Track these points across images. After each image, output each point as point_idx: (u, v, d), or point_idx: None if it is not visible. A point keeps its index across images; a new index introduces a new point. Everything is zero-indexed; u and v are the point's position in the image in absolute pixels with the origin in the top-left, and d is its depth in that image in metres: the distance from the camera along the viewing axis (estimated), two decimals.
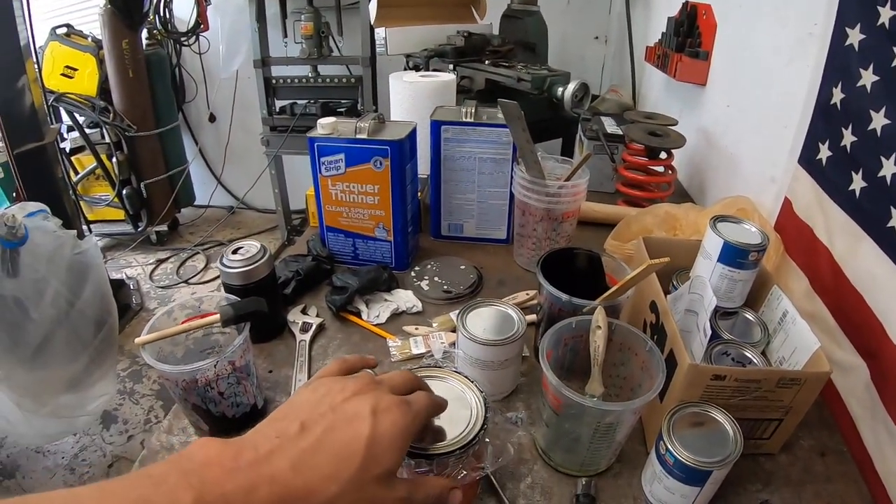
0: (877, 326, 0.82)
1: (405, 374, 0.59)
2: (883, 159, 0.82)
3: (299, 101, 3.57)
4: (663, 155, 1.50)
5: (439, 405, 0.59)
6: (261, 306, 0.88)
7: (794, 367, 0.78)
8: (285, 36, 3.53)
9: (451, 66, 2.15)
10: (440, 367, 0.72)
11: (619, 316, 0.90)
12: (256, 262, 1.05)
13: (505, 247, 1.41)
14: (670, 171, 1.51)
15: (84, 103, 3.70)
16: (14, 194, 3.97)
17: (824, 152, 1.00)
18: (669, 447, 0.67)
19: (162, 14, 3.79)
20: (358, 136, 1.16)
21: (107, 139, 3.84)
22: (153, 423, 2.70)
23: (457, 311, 1.07)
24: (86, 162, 4.01)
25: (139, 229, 4.14)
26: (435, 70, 2.11)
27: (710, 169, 1.63)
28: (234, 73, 3.93)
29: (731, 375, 0.71)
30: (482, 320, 0.89)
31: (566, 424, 0.74)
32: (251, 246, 1.08)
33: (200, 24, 3.84)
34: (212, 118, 4.40)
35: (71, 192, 3.32)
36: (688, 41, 1.73)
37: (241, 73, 3.93)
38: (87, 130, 3.81)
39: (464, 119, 1.28)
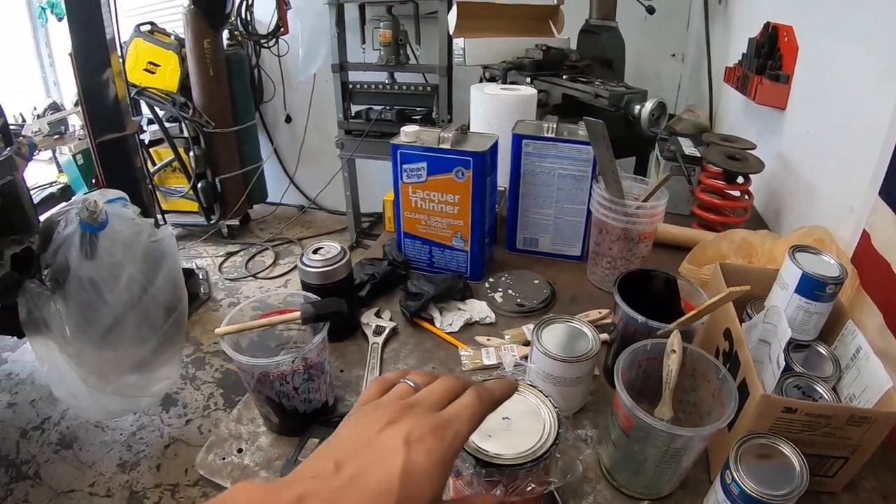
0: None
1: (445, 384, 0.55)
2: None
3: (375, 107, 3.64)
4: (740, 179, 1.49)
5: (491, 400, 0.55)
6: (341, 307, 0.92)
7: (864, 405, 0.78)
8: (363, 42, 3.62)
9: (528, 79, 2.16)
10: (517, 380, 0.74)
11: (692, 341, 0.91)
12: (336, 263, 1.08)
13: (578, 264, 1.42)
14: (747, 197, 1.51)
15: (165, 98, 3.85)
16: (93, 181, 4.15)
17: None
18: (735, 477, 0.67)
19: (243, 16, 3.92)
20: (441, 146, 1.19)
21: (185, 134, 3.99)
22: (212, 410, 2.80)
23: (530, 325, 1.09)
24: (163, 154, 4.17)
25: (211, 222, 4.30)
26: (512, 83, 2.13)
27: (786, 195, 1.61)
28: (311, 77, 4.01)
29: (803, 409, 0.72)
30: (557, 336, 0.90)
31: (634, 446, 0.75)
32: (331, 247, 1.12)
33: (281, 27, 3.95)
34: (288, 119, 4.52)
35: (148, 181, 3.47)
36: (768, 63, 1.71)
37: (319, 77, 4.02)
38: (167, 124, 3.96)
39: (545, 134, 1.29)
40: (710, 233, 1.41)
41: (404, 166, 1.24)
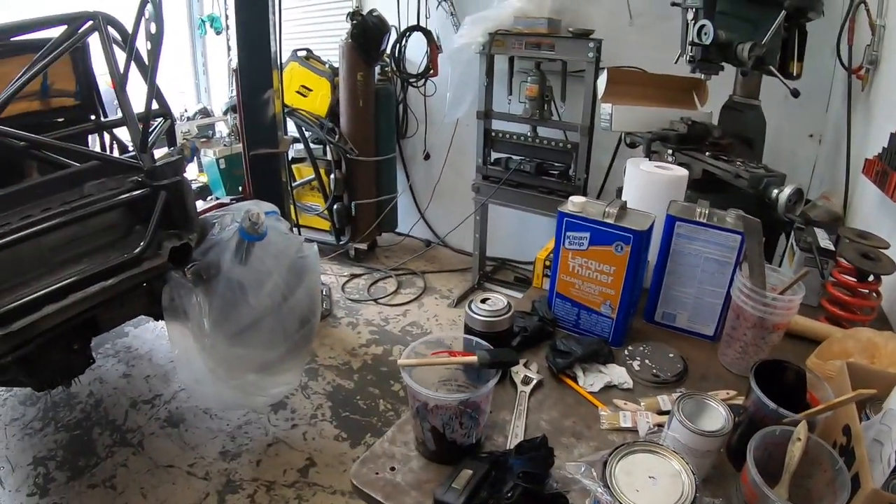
0: None
1: None
2: None
3: (514, 157, 3.77)
4: (871, 278, 1.53)
5: None
6: (513, 358, 1.08)
7: None
8: (510, 94, 3.77)
9: (669, 151, 2.22)
10: (661, 446, 0.87)
11: (813, 432, 0.98)
12: (502, 315, 1.26)
13: (710, 343, 1.49)
14: (876, 296, 1.54)
15: (314, 121, 4.17)
16: (240, 188, 4.47)
17: None
18: None
19: (396, 54, 4.16)
20: (605, 220, 1.32)
21: (328, 156, 4.28)
22: (318, 420, 2.96)
23: (663, 396, 1.21)
24: (303, 172, 4.49)
25: (341, 242, 4.53)
26: (654, 152, 2.22)
27: None
28: (455, 120, 4.17)
29: None
30: (692, 409, 1.02)
31: None
32: (498, 300, 1.29)
33: (431, 69, 4.15)
34: (427, 156, 4.71)
35: (290, 197, 3.72)
36: None
37: (462, 121, 4.17)
38: (311, 145, 4.27)
39: (698, 219, 1.40)
40: (838, 328, 1.46)
41: (568, 233, 1.37)
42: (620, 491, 0.79)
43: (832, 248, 1.69)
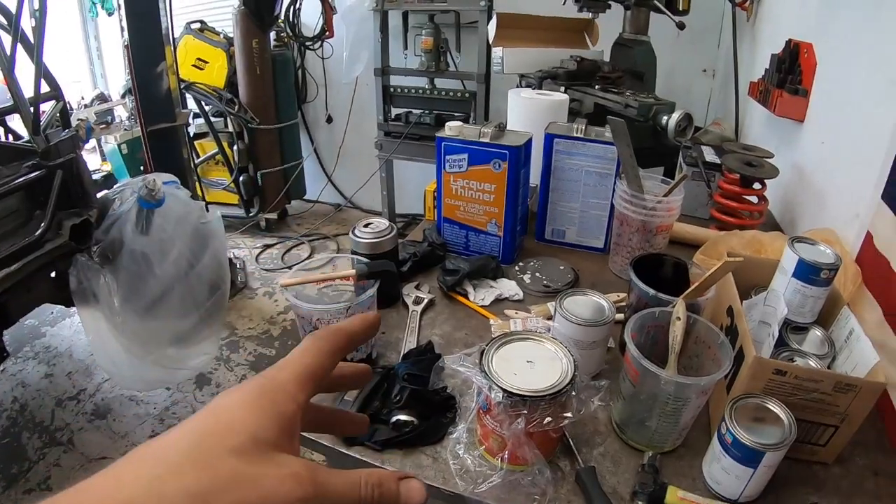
0: None
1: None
2: None
3: (414, 111, 3.76)
4: (757, 185, 1.57)
5: (335, 332, 0.48)
6: (391, 267, 1.06)
7: None
8: (406, 48, 3.75)
9: (562, 88, 2.23)
10: (539, 333, 0.85)
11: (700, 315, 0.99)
12: (385, 236, 1.24)
13: (601, 255, 1.51)
14: (762, 201, 1.58)
15: (212, 93, 4.00)
16: (141, 168, 4.30)
17: None
18: (729, 427, 0.76)
19: (291, 18, 4.05)
20: (481, 140, 1.30)
21: (229, 128, 4.14)
22: None
23: (554, 303, 1.20)
24: (207, 147, 4.34)
25: (250, 214, 4.44)
26: (548, 90, 2.22)
27: (799, 204, 1.68)
28: (353, 80, 4.10)
29: (792, 372, 0.80)
30: (577, 306, 1.01)
31: (641, 396, 0.85)
32: (380, 222, 1.27)
33: (326, 30, 4.07)
34: (329, 119, 4.65)
35: (193, 172, 3.61)
36: (788, 78, 1.78)
37: (360, 80, 4.12)
38: (212, 118, 4.12)
39: (575, 134, 1.40)
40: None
41: (447, 157, 1.35)
42: (497, 375, 0.76)
43: (717, 161, 1.73)
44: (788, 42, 1.83)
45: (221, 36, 4.22)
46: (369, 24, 3.64)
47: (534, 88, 2.26)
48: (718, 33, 3.24)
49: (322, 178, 4.91)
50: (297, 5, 4.06)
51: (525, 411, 0.75)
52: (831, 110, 1.56)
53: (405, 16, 3.70)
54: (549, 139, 1.42)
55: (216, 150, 4.27)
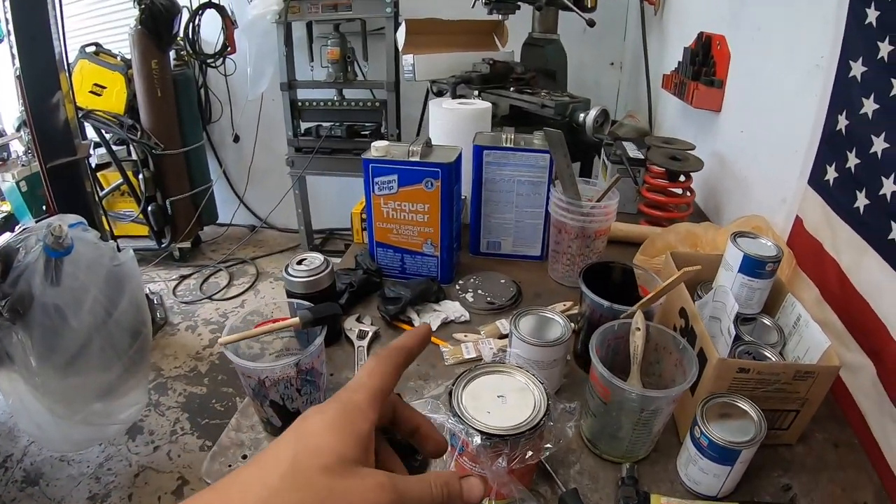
0: (881, 329, 0.93)
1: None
2: (884, 179, 0.93)
3: (324, 124, 3.67)
4: (682, 178, 1.60)
5: (397, 351, 0.53)
6: (336, 311, 0.99)
7: (808, 363, 0.88)
8: (312, 60, 3.68)
9: (476, 92, 2.23)
10: (504, 364, 0.83)
11: (652, 321, 1.00)
12: (320, 273, 1.17)
13: (539, 263, 1.51)
14: (689, 193, 1.61)
15: (112, 120, 3.80)
16: (43, 207, 4.07)
17: (831, 174, 1.11)
18: (704, 431, 0.77)
19: (190, 36, 3.90)
20: (411, 159, 1.26)
21: (133, 156, 3.94)
22: (179, 435, 2.76)
23: (502, 320, 1.19)
24: (111, 178, 4.13)
25: (163, 245, 4.24)
26: (461, 96, 2.20)
27: (724, 191, 1.72)
28: (259, 95, 4.00)
29: (755, 369, 0.82)
30: (531, 325, 0.99)
31: (612, 412, 0.84)
32: (314, 258, 1.20)
33: (228, 46, 3.95)
34: (236, 138, 4.51)
35: (100, 207, 3.42)
36: (703, 70, 1.83)
37: (267, 95, 4.00)
38: (114, 147, 3.92)
39: (504, 144, 1.38)
40: (658, 228, 1.52)
41: (376, 179, 1.30)
42: (471, 416, 0.73)
43: (641, 157, 1.74)
44: (700, 35, 1.86)
45: (118, 58, 3.99)
46: (273, 38, 3.53)
47: (447, 94, 2.25)
48: (624, 26, 3.31)
49: (233, 200, 4.75)
50: (197, 21, 3.91)
51: (507, 450, 0.72)
52: (748, 99, 1.61)
53: (309, 26, 3.62)
54: (479, 151, 1.40)
55: (121, 180, 4.04)
